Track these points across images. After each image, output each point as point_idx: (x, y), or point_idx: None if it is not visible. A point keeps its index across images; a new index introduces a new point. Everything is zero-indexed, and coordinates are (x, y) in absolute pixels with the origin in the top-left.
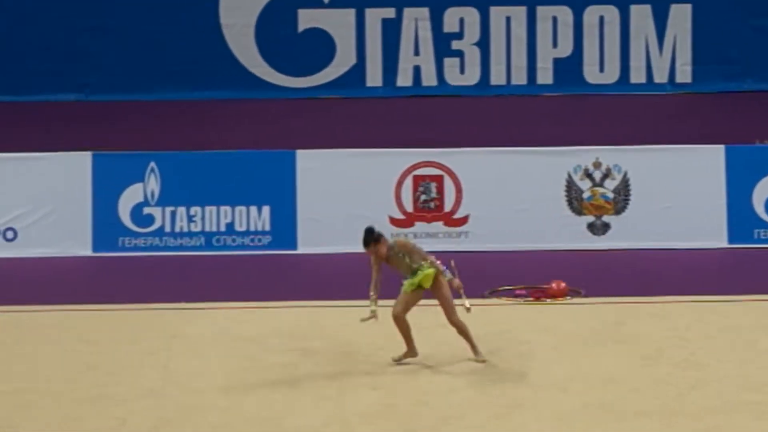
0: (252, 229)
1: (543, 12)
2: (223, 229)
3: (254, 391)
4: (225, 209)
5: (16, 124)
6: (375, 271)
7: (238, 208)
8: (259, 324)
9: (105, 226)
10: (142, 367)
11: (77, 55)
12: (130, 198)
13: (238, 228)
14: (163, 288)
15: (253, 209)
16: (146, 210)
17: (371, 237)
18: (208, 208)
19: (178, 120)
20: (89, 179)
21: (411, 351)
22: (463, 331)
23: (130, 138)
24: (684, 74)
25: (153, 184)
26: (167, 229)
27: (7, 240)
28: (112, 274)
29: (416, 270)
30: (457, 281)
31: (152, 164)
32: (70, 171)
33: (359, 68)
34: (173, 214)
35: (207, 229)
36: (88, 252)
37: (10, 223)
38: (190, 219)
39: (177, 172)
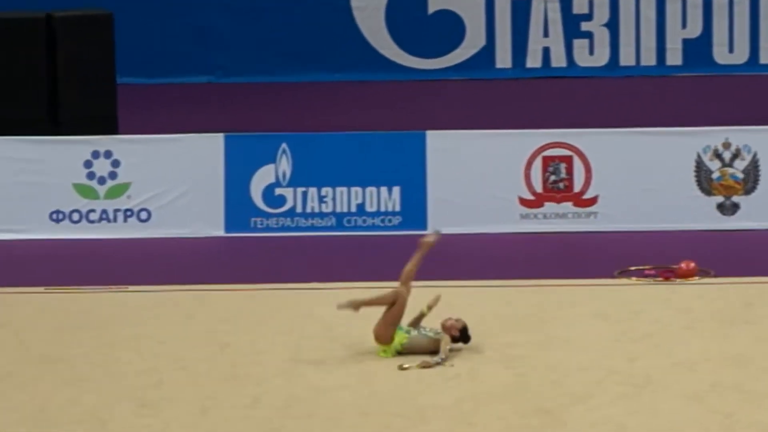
0: (382, 209)
1: None
2: (353, 209)
3: (386, 370)
4: (356, 190)
5: (149, 107)
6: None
7: (368, 189)
8: None
9: (237, 206)
10: (275, 346)
11: (209, 37)
12: (262, 179)
13: (368, 208)
14: (295, 268)
15: (384, 190)
16: (278, 191)
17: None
18: (339, 189)
19: (309, 101)
20: (222, 160)
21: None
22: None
23: (262, 119)
24: None
25: (285, 165)
26: (299, 209)
27: (141, 221)
28: (245, 255)
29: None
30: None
31: (284, 145)
32: (203, 152)
33: (488, 50)
34: (305, 194)
35: (338, 209)
36: (220, 232)
37: (144, 204)
38: (321, 200)
39: (308, 153)
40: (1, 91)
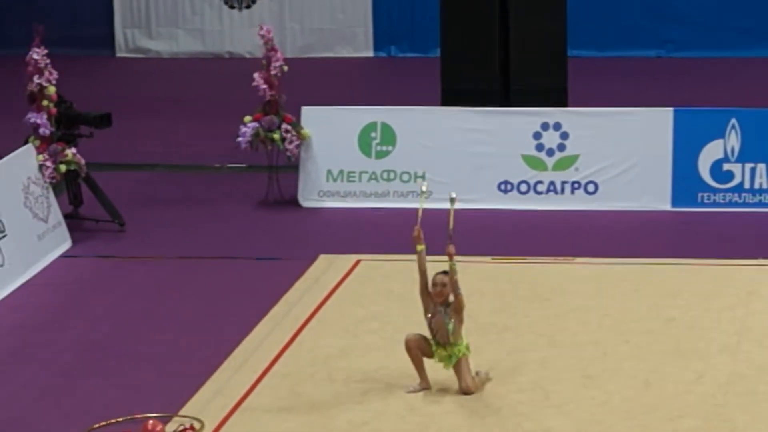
0: None
1: None
2: None
3: None
4: None
5: (598, 79)
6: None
7: None
8: None
9: (684, 181)
10: (720, 322)
11: (660, 11)
12: (710, 154)
13: None
14: (742, 244)
15: None
16: (726, 166)
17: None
18: None
19: (760, 77)
20: (670, 135)
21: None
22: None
23: (711, 94)
24: None
25: (733, 140)
26: (746, 185)
27: (589, 193)
28: (691, 229)
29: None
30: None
31: (733, 120)
32: (652, 126)
33: None
34: (753, 170)
35: None
36: (667, 207)
37: (592, 177)
38: None
39: (758, 128)
40: (457, 64)
